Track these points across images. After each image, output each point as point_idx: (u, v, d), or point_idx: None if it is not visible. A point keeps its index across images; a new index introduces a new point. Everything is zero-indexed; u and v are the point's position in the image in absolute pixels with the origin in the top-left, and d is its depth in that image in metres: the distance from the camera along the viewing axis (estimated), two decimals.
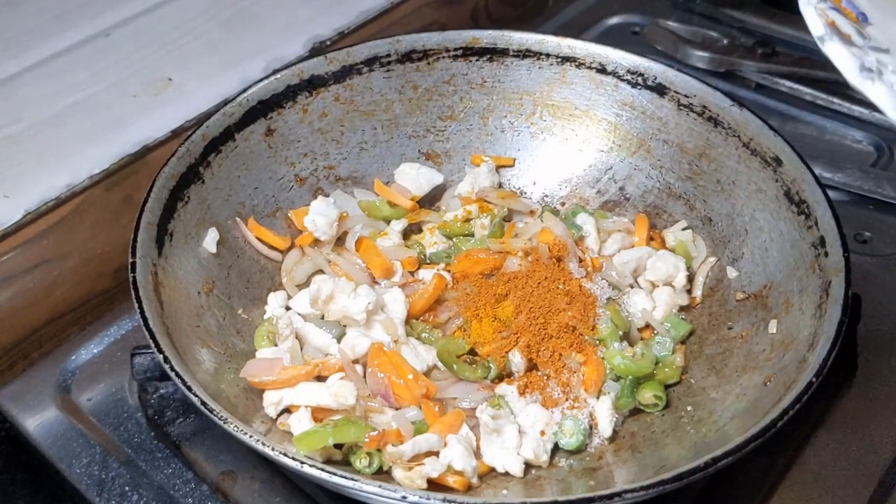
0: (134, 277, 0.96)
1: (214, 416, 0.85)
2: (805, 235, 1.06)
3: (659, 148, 1.26)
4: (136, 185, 1.34)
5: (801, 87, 1.62)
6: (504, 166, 1.34)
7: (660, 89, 1.24)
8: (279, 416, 1.02)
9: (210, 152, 1.14)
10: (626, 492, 0.79)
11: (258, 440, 0.83)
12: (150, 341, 0.91)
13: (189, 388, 0.87)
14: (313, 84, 1.25)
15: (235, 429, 0.84)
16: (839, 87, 1.55)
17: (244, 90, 1.21)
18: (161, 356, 0.89)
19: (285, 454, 0.82)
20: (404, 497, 0.80)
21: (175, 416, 1.12)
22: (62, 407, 1.14)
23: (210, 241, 1.13)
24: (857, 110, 1.57)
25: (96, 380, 1.17)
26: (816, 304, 0.99)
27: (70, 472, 1.08)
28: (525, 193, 1.34)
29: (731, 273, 1.16)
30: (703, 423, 1.00)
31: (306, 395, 1.00)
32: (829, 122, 1.59)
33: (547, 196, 1.33)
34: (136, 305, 0.94)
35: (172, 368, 0.89)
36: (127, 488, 1.06)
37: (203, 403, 0.86)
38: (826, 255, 1.01)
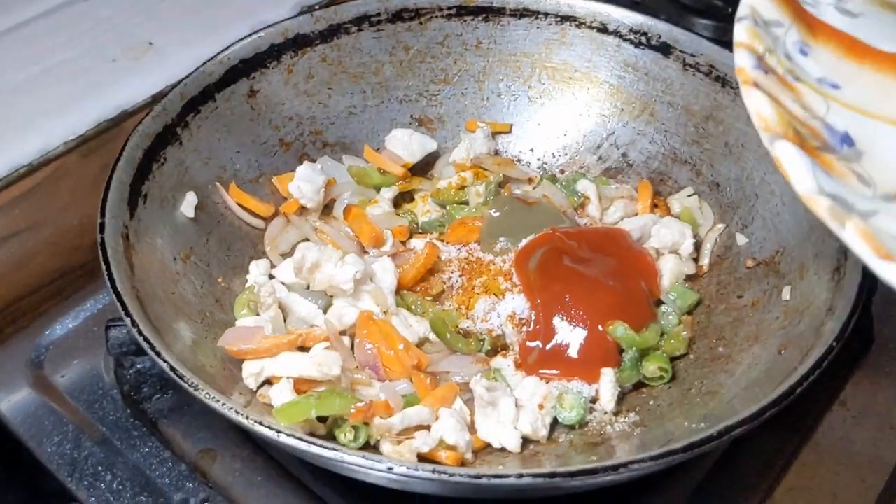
0: (102, 238, 0.92)
1: (185, 382, 0.80)
2: None
3: (663, 111, 1.22)
4: (115, 152, 1.24)
5: None
6: (500, 132, 1.30)
7: (664, 49, 1.20)
8: (259, 387, 0.98)
9: (188, 112, 1.11)
10: (632, 462, 0.74)
11: (231, 408, 0.78)
12: (118, 304, 0.86)
13: (157, 353, 0.82)
14: (299, 43, 1.21)
15: (207, 396, 0.79)
16: None
17: (225, 48, 1.16)
18: (128, 319, 0.85)
19: (261, 423, 0.76)
20: (390, 468, 0.75)
21: (152, 393, 1.08)
22: (34, 384, 1.11)
23: (188, 205, 1.09)
24: None
25: (71, 356, 1.14)
26: (833, 267, 0.94)
27: (41, 451, 1.04)
28: (522, 161, 1.30)
29: (741, 240, 1.12)
30: (713, 396, 0.96)
31: (288, 366, 0.96)
32: None
33: (545, 163, 1.29)
34: (104, 267, 0.90)
35: (140, 332, 0.84)
36: (100, 468, 1.02)
37: (173, 369, 0.81)
38: None
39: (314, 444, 0.75)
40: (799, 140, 0.65)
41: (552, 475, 0.73)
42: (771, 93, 0.67)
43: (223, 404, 0.78)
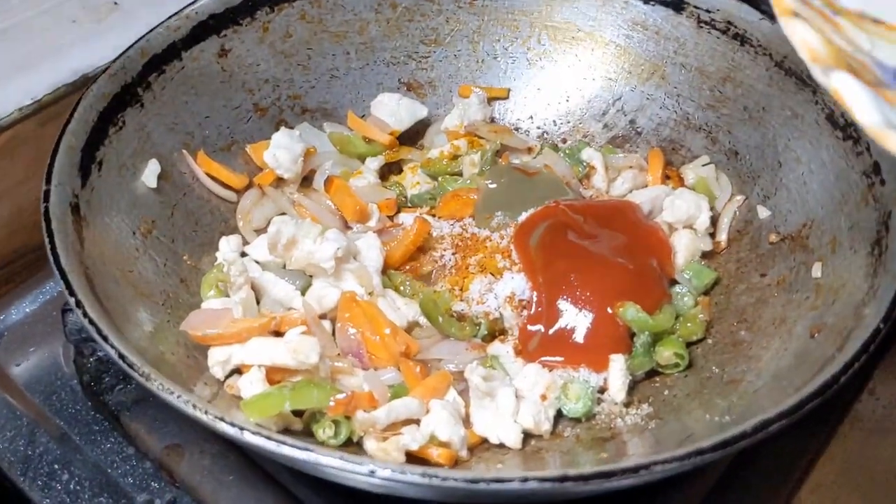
0: (46, 208, 0.86)
1: (136, 371, 0.73)
2: (854, 163, 0.96)
3: (675, 73, 1.17)
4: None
5: None
6: (497, 98, 1.25)
7: (677, 4, 1.15)
8: (228, 377, 0.94)
9: (151, 71, 1.07)
10: (654, 463, 0.66)
11: (188, 401, 0.70)
12: (61, 281, 0.79)
13: (104, 337, 0.74)
14: None
15: (161, 388, 0.72)
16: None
17: (192, 2, 1.11)
18: (72, 299, 0.78)
19: (222, 419, 0.68)
20: (373, 472, 0.67)
21: (114, 383, 1.04)
22: None
23: (150, 174, 1.04)
24: None
25: (27, 343, 1.10)
26: (872, 240, 0.89)
27: None
28: (521, 129, 1.25)
29: (763, 212, 1.07)
30: (735, 385, 0.91)
31: (259, 353, 0.91)
32: None
33: (546, 132, 1.25)
34: (47, 241, 0.84)
35: (85, 313, 0.76)
36: (56, 466, 0.98)
37: (122, 356, 0.73)
38: (882, 182, 0.91)
39: (284, 443, 0.67)
40: (853, 72, 0.62)
41: (562, 479, 0.65)
42: (813, 24, 0.64)
43: (179, 397, 0.71)
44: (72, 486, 0.96)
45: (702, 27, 1.13)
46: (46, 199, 0.87)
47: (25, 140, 1.20)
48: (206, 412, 0.68)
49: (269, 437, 0.67)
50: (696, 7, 1.13)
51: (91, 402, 1.02)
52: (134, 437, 0.99)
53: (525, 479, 0.65)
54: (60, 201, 0.88)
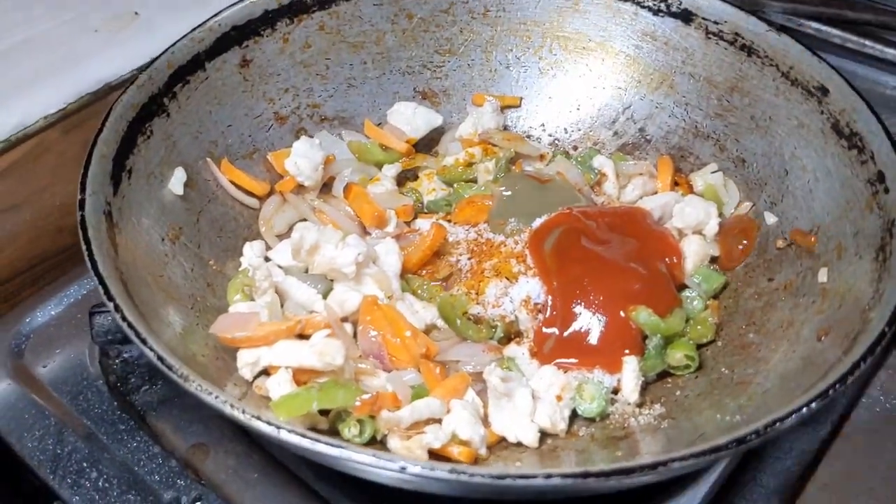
0: (82, 216, 0.87)
1: (174, 373, 0.74)
2: (858, 172, 0.97)
3: (684, 83, 1.17)
4: (98, 128, 1.23)
5: (829, 29, 1.49)
6: (509, 106, 1.26)
7: (685, 16, 1.15)
8: (256, 378, 0.94)
9: (176, 82, 1.07)
10: (673, 460, 0.68)
11: (226, 402, 0.71)
12: (100, 287, 0.80)
13: (143, 341, 0.75)
14: (294, 10, 1.16)
15: (199, 389, 0.73)
16: (871, 28, 1.43)
17: (215, 14, 1.11)
18: (111, 304, 0.78)
19: (259, 418, 0.70)
20: (403, 468, 0.68)
21: (140, 384, 1.04)
22: (14, 374, 1.06)
23: (176, 182, 1.05)
24: (891, 53, 1.45)
25: (53, 344, 1.10)
26: (877, 246, 0.90)
27: (21, 446, 1.01)
28: (533, 136, 1.26)
29: (770, 219, 1.08)
30: (744, 386, 0.91)
31: (287, 355, 0.91)
32: (860, 66, 1.46)
33: (557, 139, 1.25)
34: (84, 248, 0.84)
35: (124, 318, 0.77)
36: (85, 464, 0.98)
37: (160, 358, 0.75)
38: (886, 191, 0.92)
39: (318, 441, 0.69)
40: None
41: (584, 475, 0.67)
42: None
43: (217, 397, 0.72)
44: (100, 484, 0.96)
45: (710, 38, 1.13)
46: (82, 207, 0.87)
47: (50, 147, 1.20)
48: (243, 411, 0.70)
49: (303, 436, 0.69)
50: (704, 19, 1.13)
51: (117, 402, 1.02)
52: (160, 436, 0.99)
53: (549, 476, 0.66)
54: (95, 209, 0.89)
